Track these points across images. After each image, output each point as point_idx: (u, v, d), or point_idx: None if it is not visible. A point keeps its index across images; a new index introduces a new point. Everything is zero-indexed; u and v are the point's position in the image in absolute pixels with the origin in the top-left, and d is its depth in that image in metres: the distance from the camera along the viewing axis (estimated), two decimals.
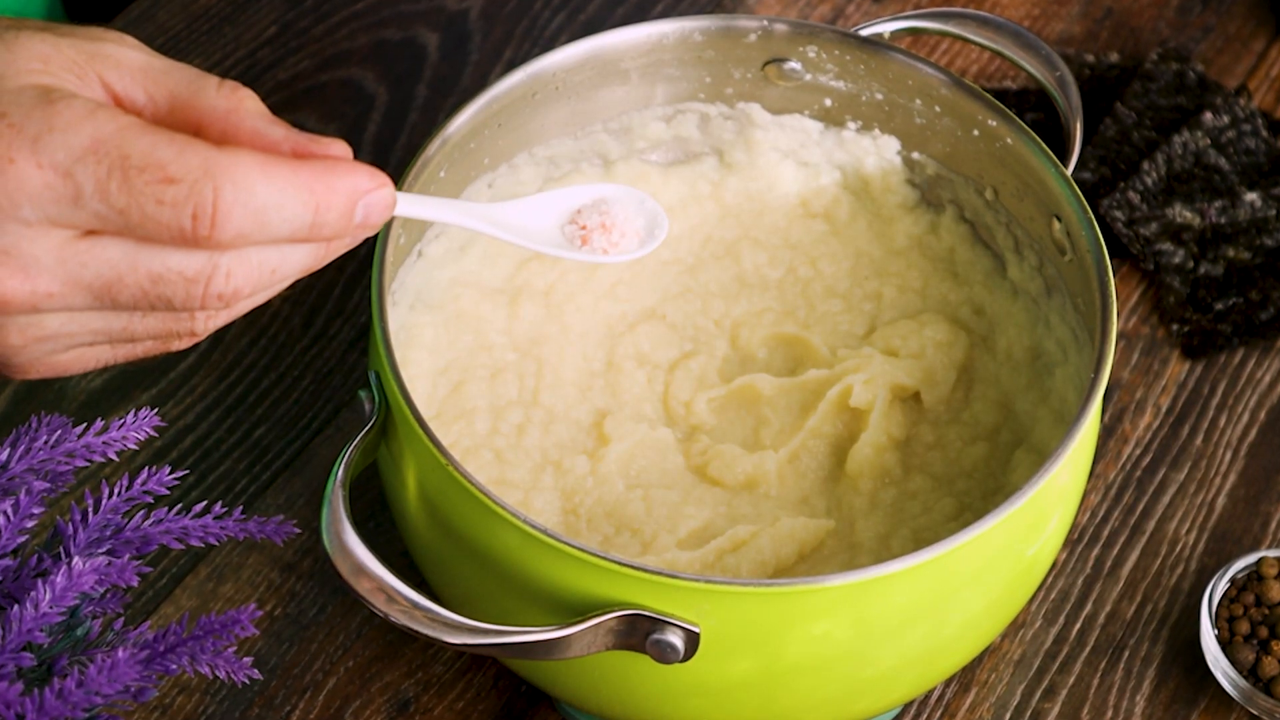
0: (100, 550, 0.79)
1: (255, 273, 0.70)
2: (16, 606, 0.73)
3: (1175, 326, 1.08)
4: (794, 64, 0.98)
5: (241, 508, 0.86)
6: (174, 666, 0.77)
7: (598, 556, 0.77)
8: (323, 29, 1.21)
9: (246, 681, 0.83)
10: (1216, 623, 0.94)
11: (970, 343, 0.98)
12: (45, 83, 0.69)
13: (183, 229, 0.68)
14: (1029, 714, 0.94)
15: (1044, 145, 0.92)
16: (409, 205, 0.77)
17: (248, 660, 0.78)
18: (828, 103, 1.00)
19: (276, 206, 0.68)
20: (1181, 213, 1.10)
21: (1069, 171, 0.92)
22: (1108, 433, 1.04)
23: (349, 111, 1.16)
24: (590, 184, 0.84)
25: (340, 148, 0.72)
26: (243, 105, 0.70)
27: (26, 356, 0.72)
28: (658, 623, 0.78)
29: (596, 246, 0.83)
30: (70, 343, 0.72)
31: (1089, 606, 0.98)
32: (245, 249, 0.70)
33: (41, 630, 0.74)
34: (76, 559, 0.74)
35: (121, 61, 0.70)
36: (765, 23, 0.97)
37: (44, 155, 0.67)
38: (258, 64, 1.18)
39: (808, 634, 0.80)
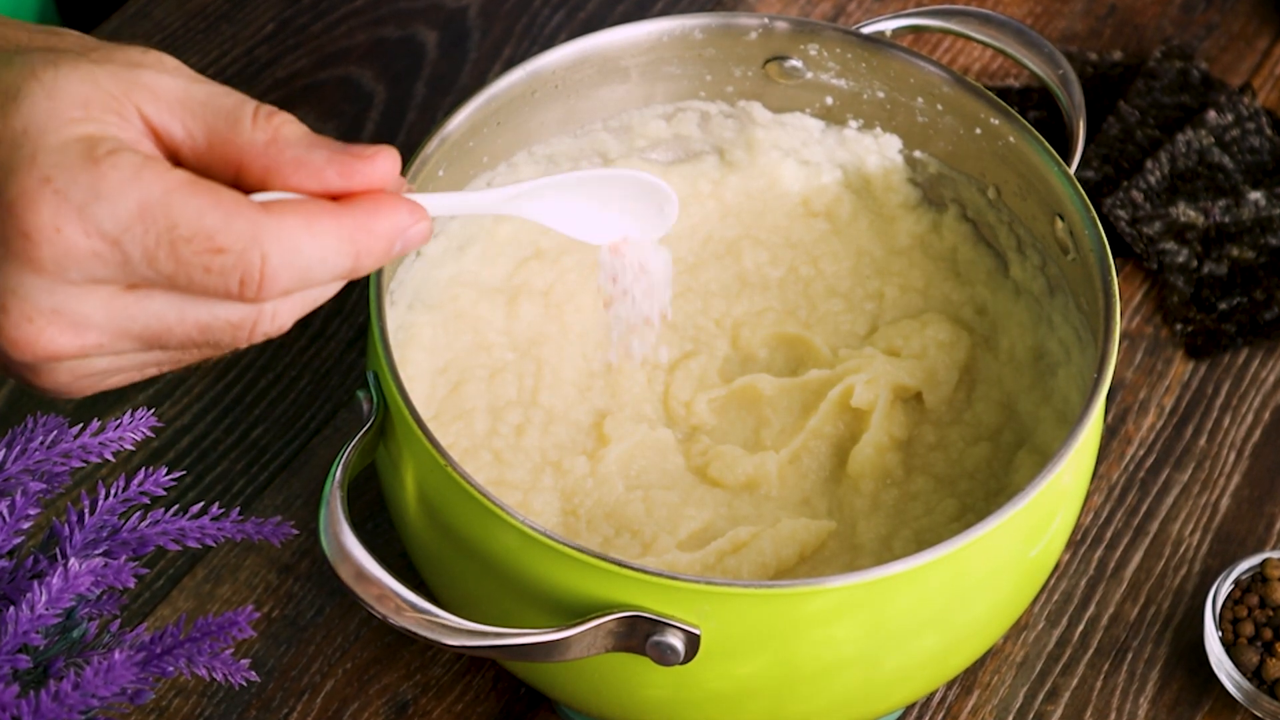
0: (97, 551, 0.78)
1: (299, 306, 0.71)
2: (12, 608, 0.73)
3: (1179, 326, 1.07)
4: (795, 62, 0.98)
5: (239, 509, 0.86)
6: (171, 669, 0.76)
7: (597, 558, 0.77)
8: (320, 26, 1.20)
9: (244, 684, 0.82)
10: (1220, 625, 0.93)
11: (972, 343, 0.97)
12: (88, 132, 0.68)
13: (229, 292, 0.68)
14: (1031, 716, 0.94)
15: (1047, 144, 0.92)
16: (437, 205, 0.76)
17: (245, 662, 0.78)
18: (829, 101, 0.99)
19: (321, 260, 0.69)
20: (1185, 212, 1.10)
21: (1072, 170, 0.92)
22: (1111, 433, 1.04)
23: (347, 110, 1.16)
24: (628, 169, 0.83)
25: (385, 160, 0.71)
26: (280, 135, 0.70)
27: (76, 388, 0.73)
28: (658, 624, 0.78)
29: (619, 307, 0.86)
30: (118, 373, 0.73)
31: (1092, 608, 0.97)
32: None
33: (38, 632, 0.74)
34: (73, 560, 0.74)
35: (160, 93, 0.69)
36: (766, 20, 0.97)
37: (91, 223, 0.66)
38: (255, 62, 1.18)
39: (809, 636, 0.80)
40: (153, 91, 0.69)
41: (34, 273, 0.67)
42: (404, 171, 0.88)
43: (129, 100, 0.69)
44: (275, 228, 0.68)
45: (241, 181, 0.70)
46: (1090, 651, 0.96)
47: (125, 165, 0.67)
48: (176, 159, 0.70)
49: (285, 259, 0.68)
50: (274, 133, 0.70)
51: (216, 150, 0.70)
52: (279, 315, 0.70)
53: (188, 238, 0.67)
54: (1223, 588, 0.94)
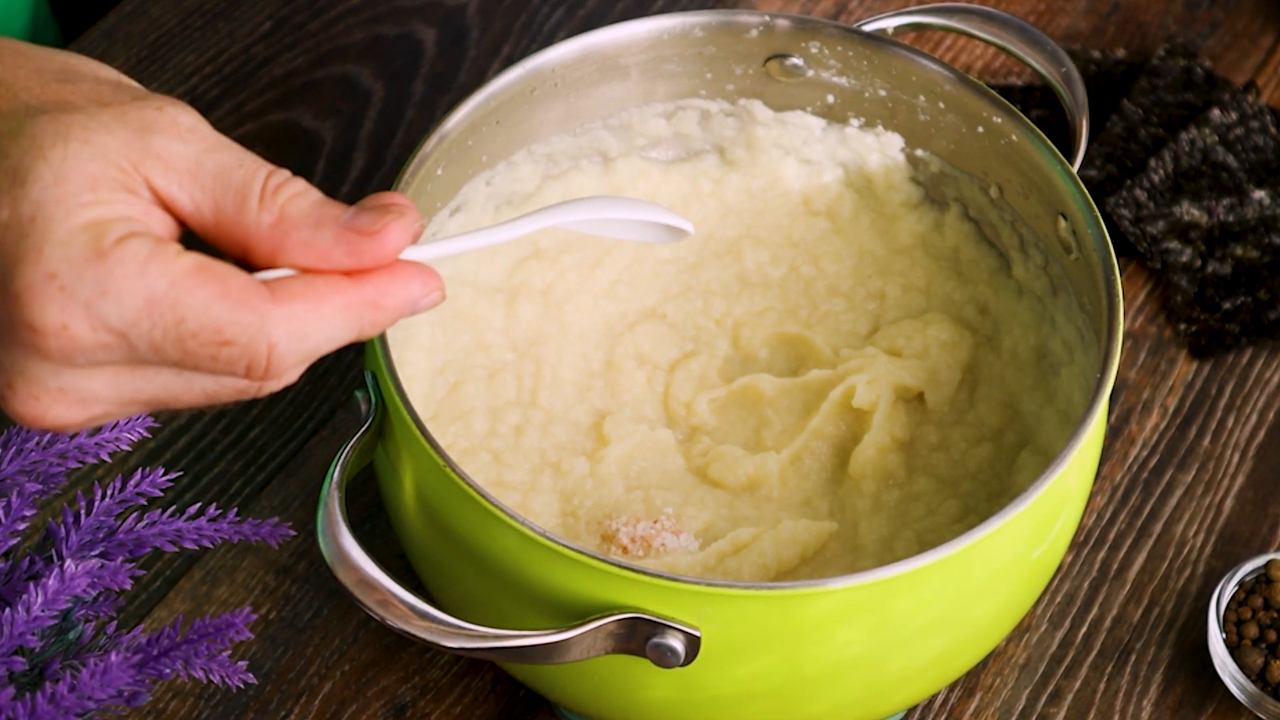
0: (93, 553, 0.78)
1: (306, 365, 0.72)
2: (8, 609, 0.73)
3: (1183, 326, 1.07)
4: (796, 60, 0.98)
5: (236, 510, 0.86)
6: (167, 671, 0.76)
7: (597, 559, 0.77)
8: (318, 24, 1.20)
9: (241, 686, 0.82)
10: (1224, 626, 0.93)
11: (975, 342, 0.97)
12: (95, 217, 0.67)
13: (236, 374, 0.69)
14: (1034, 719, 0.93)
15: (1049, 142, 0.92)
16: (450, 249, 0.75)
17: (242, 664, 0.78)
18: (830, 99, 0.99)
19: (329, 339, 0.70)
20: (1189, 211, 1.10)
21: (1075, 169, 0.92)
22: (1114, 434, 1.03)
23: (345, 108, 1.16)
24: (645, 206, 0.80)
25: (394, 236, 0.70)
26: (286, 215, 0.70)
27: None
28: (658, 626, 0.77)
29: (634, 551, 0.88)
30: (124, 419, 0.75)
31: (1095, 610, 0.97)
32: None
33: (33, 634, 0.73)
34: (69, 561, 0.74)
35: (170, 164, 0.69)
36: (767, 18, 0.96)
37: (97, 319, 0.67)
38: (252, 60, 1.18)
39: (810, 638, 0.79)
40: (164, 162, 0.69)
41: (40, 359, 0.67)
42: (402, 170, 0.88)
43: (138, 174, 0.69)
44: (283, 317, 0.68)
45: (249, 258, 0.70)
46: (1093, 653, 0.95)
47: (131, 258, 0.67)
48: (185, 224, 0.71)
49: (292, 345, 0.69)
50: (279, 214, 0.69)
51: (224, 228, 0.70)
52: (285, 376, 0.71)
53: (194, 332, 0.67)
54: (1227, 589, 0.93)
